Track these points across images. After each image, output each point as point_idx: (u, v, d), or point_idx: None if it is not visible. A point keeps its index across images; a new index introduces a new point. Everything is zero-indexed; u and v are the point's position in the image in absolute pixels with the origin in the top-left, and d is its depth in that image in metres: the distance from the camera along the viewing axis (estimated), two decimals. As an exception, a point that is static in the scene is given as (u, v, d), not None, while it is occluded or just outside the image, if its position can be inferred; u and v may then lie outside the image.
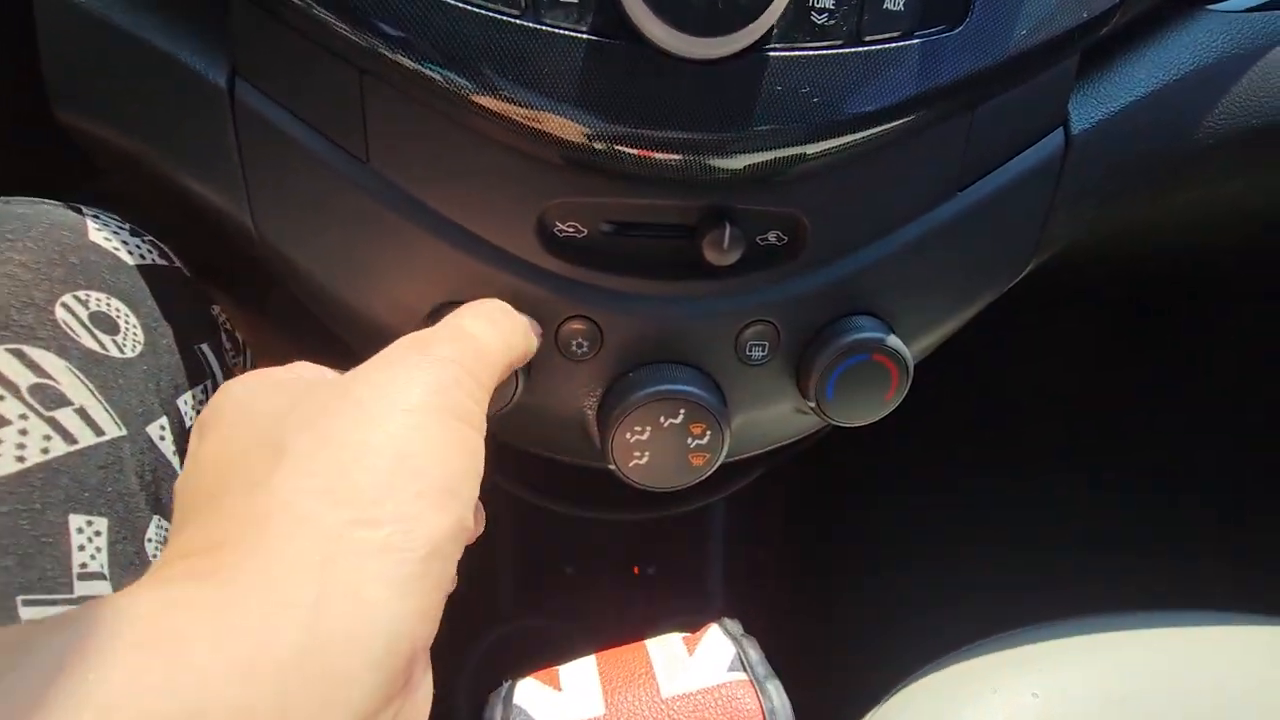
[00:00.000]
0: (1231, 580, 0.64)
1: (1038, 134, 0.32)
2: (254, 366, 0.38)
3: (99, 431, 0.27)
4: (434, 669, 0.21)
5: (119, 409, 0.28)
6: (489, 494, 0.24)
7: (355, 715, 0.17)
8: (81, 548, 0.26)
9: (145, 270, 0.31)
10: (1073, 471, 0.77)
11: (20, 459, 0.25)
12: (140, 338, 0.30)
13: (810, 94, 0.27)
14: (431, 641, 0.20)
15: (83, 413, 0.27)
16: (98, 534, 0.26)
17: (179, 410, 0.31)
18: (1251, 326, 0.74)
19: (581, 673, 0.28)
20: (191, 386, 0.32)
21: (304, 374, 0.24)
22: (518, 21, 0.25)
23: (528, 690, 0.28)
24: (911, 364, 0.32)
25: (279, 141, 0.29)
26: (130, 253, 0.31)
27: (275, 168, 0.30)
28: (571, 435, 0.34)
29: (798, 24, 0.26)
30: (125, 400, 0.28)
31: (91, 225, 0.31)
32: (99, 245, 0.30)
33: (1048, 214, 0.33)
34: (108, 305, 0.29)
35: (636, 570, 0.68)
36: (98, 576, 0.26)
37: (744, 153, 0.27)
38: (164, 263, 0.33)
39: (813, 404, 0.32)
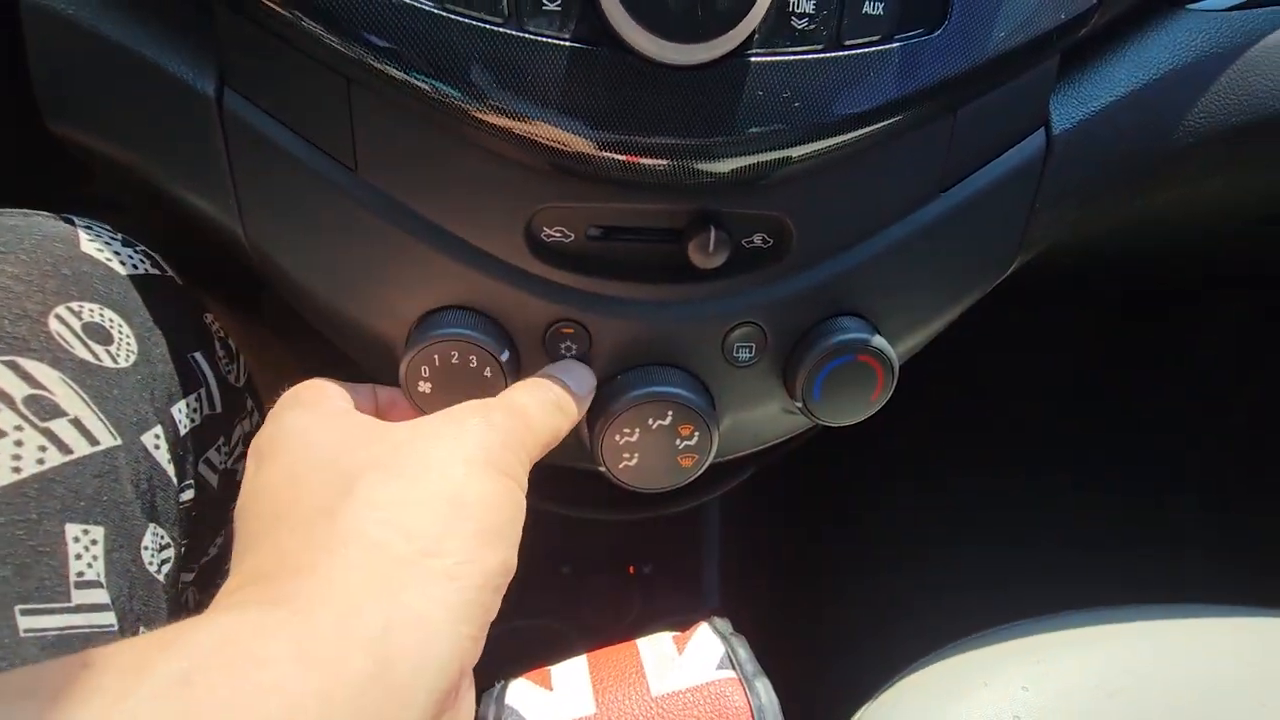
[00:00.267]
0: (1218, 573, 0.64)
1: (1019, 135, 0.32)
2: (249, 374, 0.38)
3: (94, 441, 0.27)
4: None
5: (113, 419, 0.28)
6: None
7: None
8: (78, 556, 0.26)
9: (138, 280, 0.32)
10: (1061, 468, 0.78)
11: (16, 470, 0.25)
12: (134, 347, 0.30)
13: (792, 98, 0.27)
14: (477, 661, 0.22)
15: (77, 423, 0.27)
16: (94, 543, 0.27)
17: (173, 419, 0.31)
18: (1236, 322, 0.75)
19: (572, 672, 0.28)
20: (185, 395, 0.32)
21: (350, 408, 0.27)
22: (501, 30, 0.26)
23: (519, 690, 0.28)
24: (897, 364, 0.32)
25: (267, 150, 0.29)
26: (123, 263, 0.32)
27: (264, 176, 0.30)
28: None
29: (778, 29, 0.26)
30: (120, 410, 0.29)
31: (84, 236, 0.31)
32: (91, 256, 0.31)
33: (1030, 214, 0.33)
34: (101, 316, 0.29)
35: (632, 570, 0.68)
36: (95, 585, 0.26)
37: (729, 157, 0.28)
38: (156, 272, 0.33)
39: (800, 404, 0.33)
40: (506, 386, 0.30)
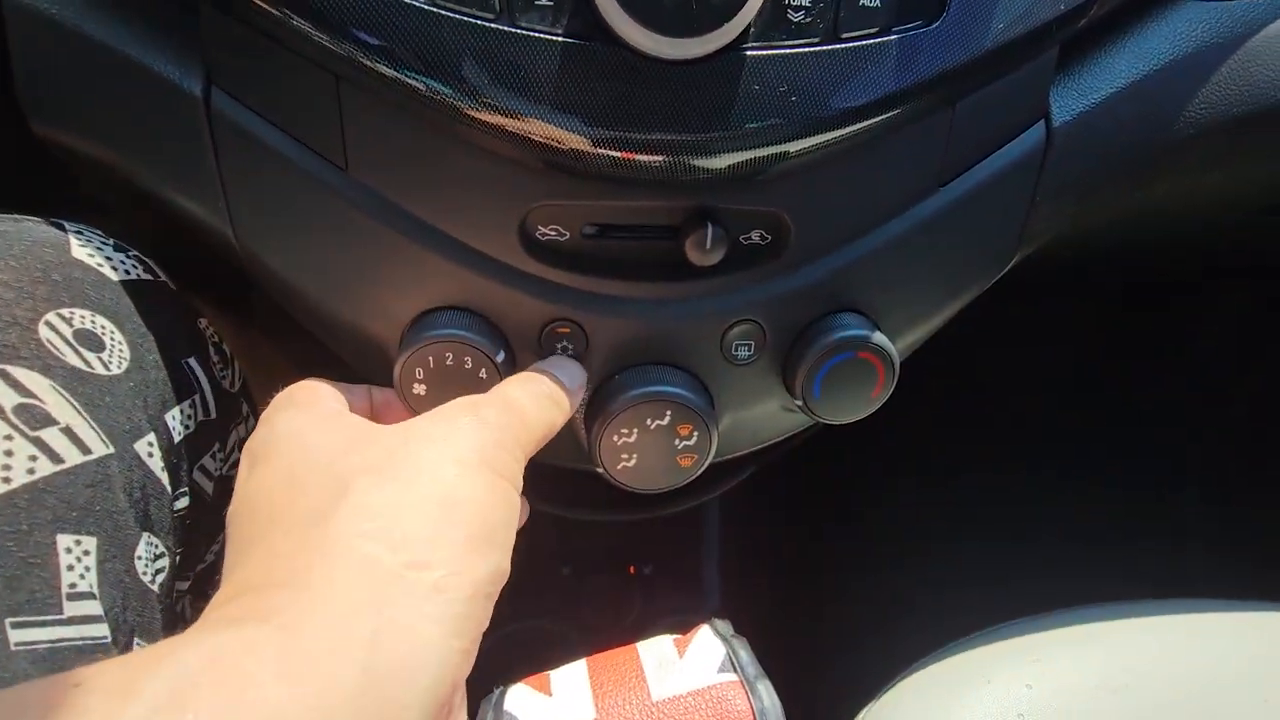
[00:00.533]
0: (1220, 567, 0.64)
1: (1019, 127, 0.32)
2: (243, 379, 0.38)
3: (86, 450, 0.27)
4: None
5: (106, 427, 0.28)
6: None
7: None
8: (70, 567, 0.26)
9: (130, 286, 0.31)
10: (1062, 462, 0.78)
11: (6, 480, 0.25)
12: (126, 354, 0.30)
13: (789, 92, 0.26)
14: (469, 673, 0.22)
15: (69, 431, 0.27)
16: (86, 553, 0.26)
17: (167, 426, 0.31)
18: (1237, 314, 0.74)
19: (572, 677, 0.28)
20: (179, 401, 0.32)
21: (344, 410, 0.26)
22: (493, 25, 0.25)
23: (518, 696, 0.28)
24: (897, 360, 0.32)
25: (256, 150, 0.29)
26: (114, 268, 0.31)
27: (253, 176, 0.29)
28: (559, 438, 0.34)
29: (774, 22, 0.26)
30: (112, 418, 0.28)
31: (75, 242, 0.31)
32: (82, 262, 0.30)
33: (1030, 207, 0.33)
34: (92, 322, 0.29)
35: (633, 570, 0.68)
36: (87, 596, 0.26)
37: (726, 152, 0.27)
38: (149, 277, 0.33)
39: (800, 402, 0.32)
40: None
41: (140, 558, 0.28)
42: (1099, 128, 0.32)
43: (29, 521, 0.25)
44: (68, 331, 0.28)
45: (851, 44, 0.27)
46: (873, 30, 0.27)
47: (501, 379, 0.30)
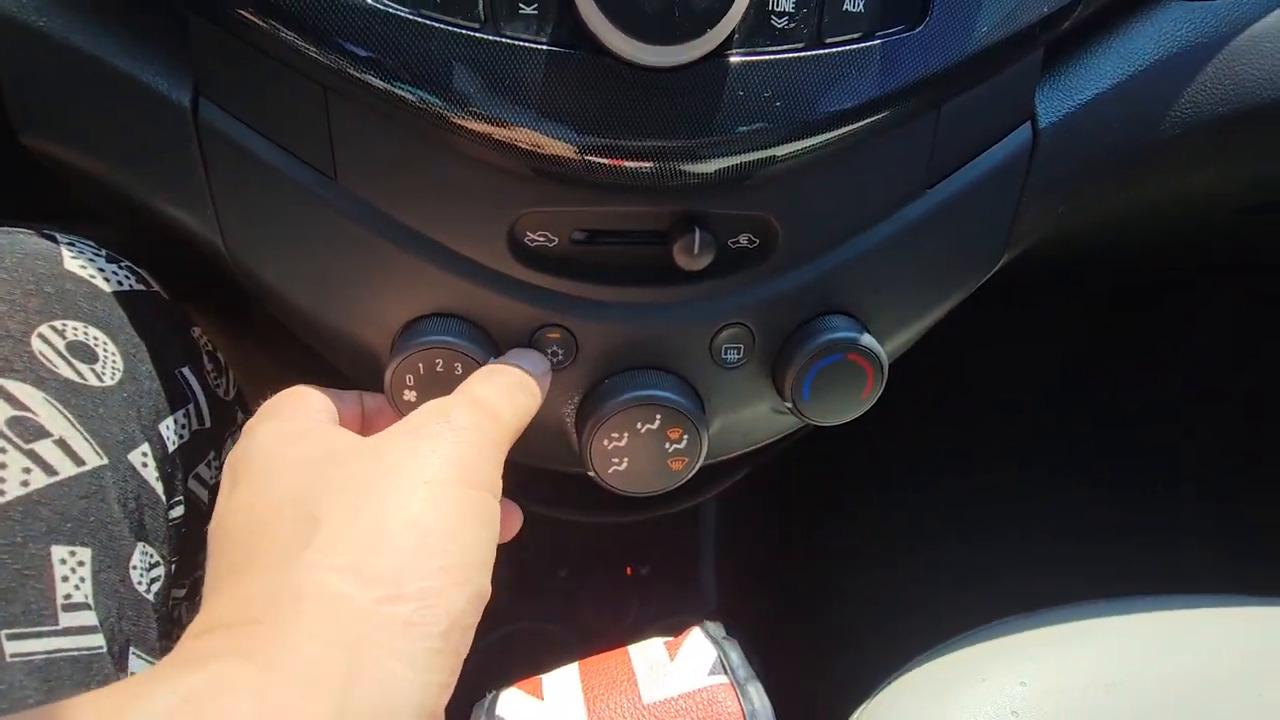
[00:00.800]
0: (1214, 564, 0.64)
1: (1005, 129, 0.32)
2: (238, 387, 0.38)
3: (79, 461, 0.27)
4: None
5: (99, 438, 0.28)
6: None
7: None
8: (65, 579, 0.26)
9: (123, 297, 0.31)
10: (1055, 460, 0.78)
11: (0, 493, 0.25)
12: (119, 365, 0.30)
13: (773, 98, 0.27)
14: (446, 702, 0.22)
15: (62, 443, 0.27)
16: (81, 564, 0.26)
17: (161, 436, 0.31)
18: (1232, 310, 0.74)
19: (564, 682, 0.28)
20: (173, 411, 0.32)
21: (323, 422, 0.26)
22: (478, 35, 0.25)
23: (510, 701, 0.28)
24: (886, 362, 0.32)
25: (244, 159, 0.29)
26: (107, 280, 0.31)
27: (242, 186, 0.29)
28: (551, 442, 0.34)
29: (758, 28, 0.26)
30: (106, 429, 0.28)
31: (67, 254, 0.31)
32: (75, 274, 0.30)
33: (1018, 208, 0.33)
34: (85, 334, 0.29)
35: (630, 571, 0.68)
36: (82, 607, 0.26)
37: (712, 158, 0.27)
38: (142, 288, 0.33)
39: (790, 405, 0.32)
40: None
41: (135, 567, 0.28)
42: (1085, 129, 0.33)
43: (23, 534, 0.25)
44: (60, 344, 0.28)
45: (835, 49, 0.27)
46: (856, 35, 0.27)
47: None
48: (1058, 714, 0.32)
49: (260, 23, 0.26)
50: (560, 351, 0.31)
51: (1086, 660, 0.35)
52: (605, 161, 0.27)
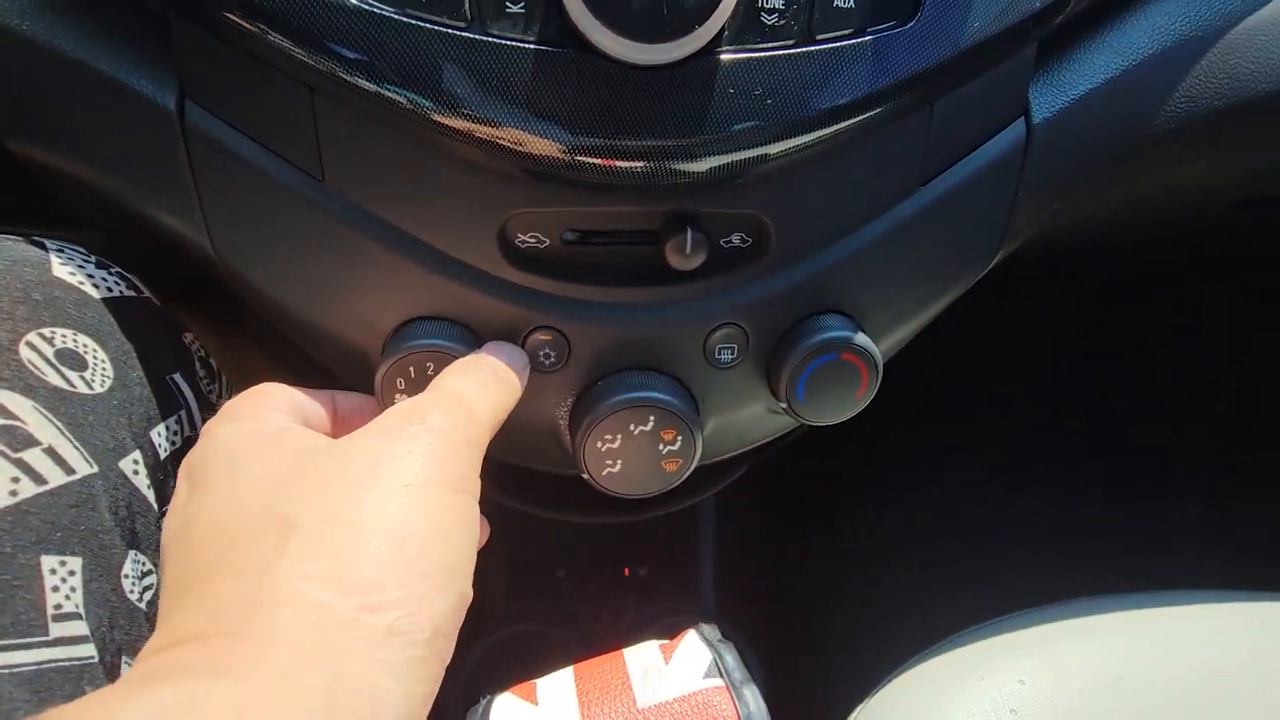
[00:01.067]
0: (1210, 560, 0.64)
1: (998, 125, 0.32)
2: (232, 393, 0.37)
3: (69, 470, 0.27)
4: None
5: (89, 446, 0.28)
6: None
7: None
8: (55, 589, 0.25)
9: (113, 303, 0.31)
10: (1050, 457, 0.78)
11: None
12: (109, 372, 0.30)
13: (764, 95, 0.26)
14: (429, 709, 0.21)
15: (51, 452, 0.27)
16: (72, 574, 0.26)
17: (153, 443, 0.31)
18: (1227, 304, 0.74)
19: (558, 686, 0.28)
20: (165, 418, 0.32)
21: (288, 425, 0.25)
22: (465, 34, 0.25)
23: (505, 706, 0.28)
24: (881, 361, 0.32)
25: (232, 162, 0.29)
26: (96, 286, 0.31)
27: (229, 189, 0.29)
28: (544, 445, 0.34)
29: (748, 25, 0.26)
30: (96, 437, 0.28)
31: (55, 260, 0.30)
32: (63, 280, 0.30)
33: (1012, 204, 0.33)
34: (74, 341, 0.29)
35: (628, 571, 0.68)
36: (73, 617, 0.26)
37: (705, 157, 0.27)
38: (132, 294, 0.32)
39: (784, 405, 0.32)
40: None
41: (127, 576, 0.28)
42: (1079, 124, 0.32)
43: (12, 544, 0.25)
44: (49, 351, 0.28)
45: (827, 45, 0.27)
46: (848, 31, 0.27)
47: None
48: (1057, 712, 0.32)
49: (246, 25, 0.26)
50: (552, 353, 0.31)
51: (1085, 658, 0.34)
52: (595, 161, 0.27)
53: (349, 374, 0.33)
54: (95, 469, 0.27)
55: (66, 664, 0.25)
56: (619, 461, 0.31)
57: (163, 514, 0.31)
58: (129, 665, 0.28)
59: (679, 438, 0.31)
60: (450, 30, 0.25)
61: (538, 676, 0.30)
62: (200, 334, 0.36)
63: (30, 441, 0.26)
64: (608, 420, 0.30)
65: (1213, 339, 0.76)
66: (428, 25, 0.25)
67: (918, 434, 0.76)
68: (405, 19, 0.25)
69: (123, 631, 0.27)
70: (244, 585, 0.20)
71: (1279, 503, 0.70)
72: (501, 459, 0.37)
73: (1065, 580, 0.45)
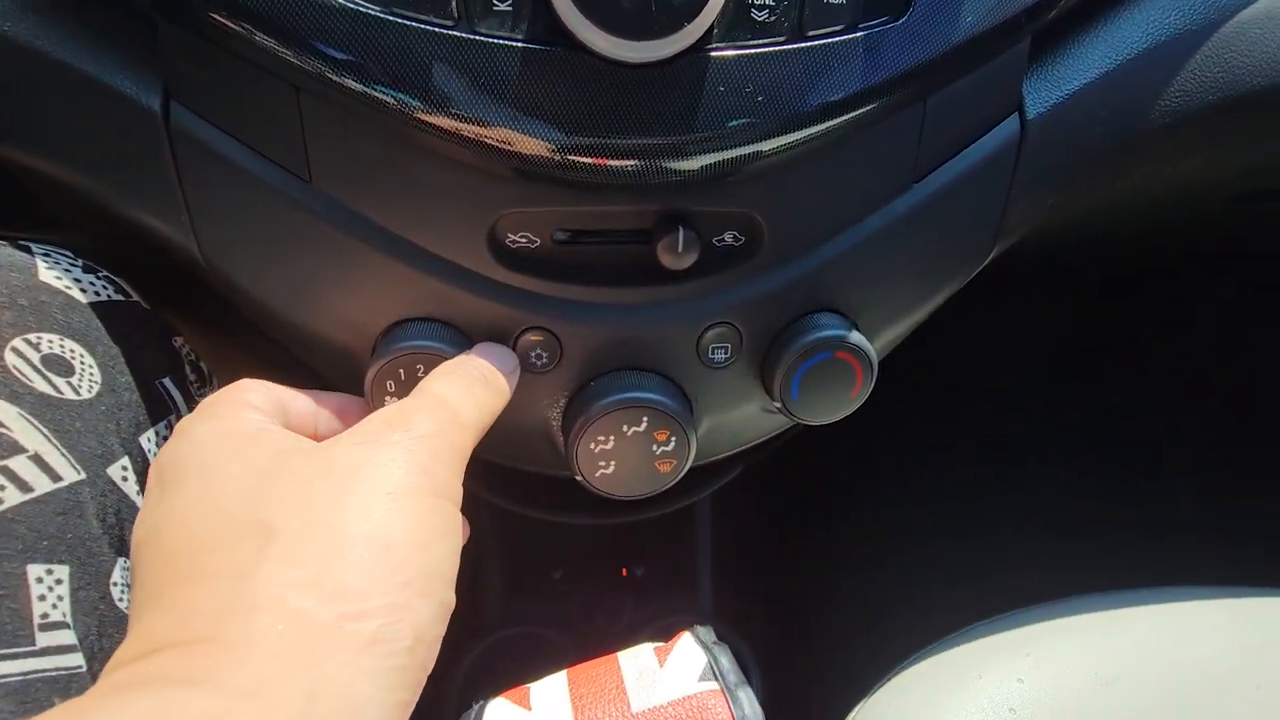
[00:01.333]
0: (1212, 555, 0.64)
1: (992, 121, 0.31)
2: None
3: (56, 477, 0.26)
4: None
5: (77, 452, 0.27)
6: (471, 505, 0.24)
7: None
8: (42, 597, 0.25)
9: (100, 307, 0.31)
10: (1044, 452, 0.78)
11: None
12: (97, 377, 0.29)
13: (755, 92, 0.26)
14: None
15: (38, 459, 0.26)
16: (59, 582, 0.26)
17: (142, 449, 0.30)
18: (1222, 299, 0.74)
19: (551, 691, 0.28)
20: (154, 423, 0.31)
21: (265, 425, 0.24)
22: (452, 33, 0.25)
23: (497, 711, 0.27)
24: (876, 360, 0.31)
25: (217, 163, 0.28)
26: (83, 290, 0.31)
27: (216, 191, 0.29)
28: (537, 446, 0.34)
29: (738, 22, 0.26)
30: (83, 443, 0.28)
31: (42, 265, 0.30)
32: (50, 285, 0.30)
33: (1006, 201, 0.33)
34: (61, 347, 0.29)
35: (625, 572, 0.67)
36: (60, 626, 0.25)
37: (696, 155, 0.27)
38: (120, 298, 0.32)
39: (779, 404, 0.32)
40: None
41: (116, 584, 0.28)
42: (1073, 119, 0.32)
43: None
44: (35, 357, 0.28)
45: (818, 42, 0.26)
46: (839, 27, 0.26)
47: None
48: (1056, 711, 0.32)
49: (231, 25, 0.25)
50: (544, 354, 0.31)
51: (1083, 656, 0.34)
52: (586, 160, 0.26)
53: (339, 376, 0.33)
54: (83, 476, 0.27)
55: (54, 674, 0.25)
56: (612, 463, 0.31)
57: None
58: None
59: (673, 438, 0.31)
60: (437, 29, 0.25)
61: (534, 679, 0.30)
62: (191, 337, 0.36)
63: (16, 449, 0.26)
64: (600, 421, 0.30)
65: (1207, 334, 0.76)
66: (414, 24, 0.25)
67: (912, 432, 0.76)
68: (391, 18, 0.25)
69: (112, 640, 0.27)
70: (220, 590, 0.19)
71: (1274, 498, 0.70)
72: (494, 461, 0.36)
73: (1061, 577, 0.45)
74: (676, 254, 0.28)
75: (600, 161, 0.27)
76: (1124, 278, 0.73)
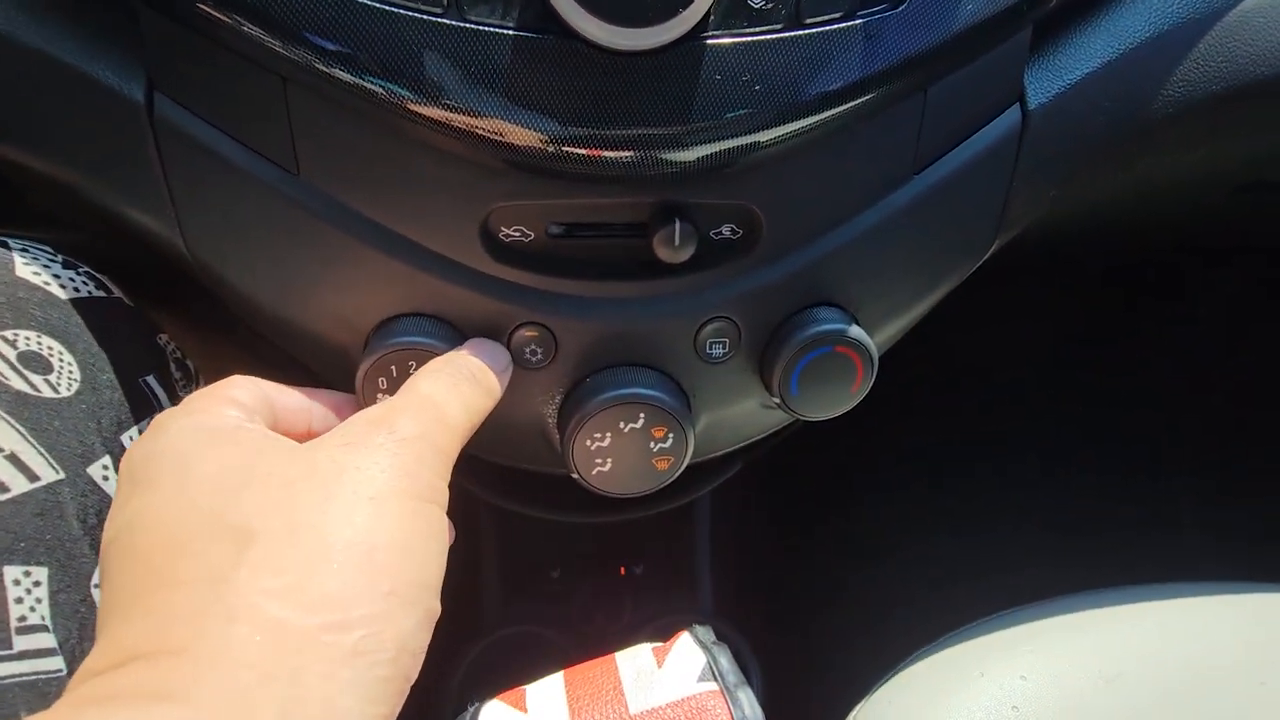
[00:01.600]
0: (1213, 551, 0.64)
1: (993, 111, 0.31)
2: None
3: (33, 477, 0.26)
4: (417, 683, 0.21)
5: (55, 452, 0.27)
6: (464, 502, 0.23)
7: None
8: (19, 600, 0.25)
9: (80, 304, 0.30)
10: (1044, 448, 0.77)
11: None
12: (76, 375, 0.29)
13: (752, 81, 0.26)
14: None
15: (14, 459, 0.26)
16: (37, 584, 0.25)
17: (124, 447, 0.30)
18: (1226, 293, 0.74)
19: (548, 693, 0.27)
20: (137, 421, 0.31)
21: (242, 423, 0.23)
22: (441, 20, 0.24)
23: (493, 713, 0.27)
24: (876, 354, 0.31)
25: (203, 157, 0.28)
26: (63, 286, 0.30)
27: (202, 184, 0.28)
28: (533, 444, 0.33)
29: (735, 9, 0.25)
30: (62, 442, 0.27)
31: (19, 260, 0.30)
32: (27, 281, 0.29)
33: (1008, 192, 0.32)
34: (39, 344, 0.28)
35: (623, 571, 0.67)
36: (39, 629, 0.25)
37: (692, 145, 0.26)
38: (101, 294, 0.32)
39: (778, 399, 0.32)
40: None
41: (97, 586, 0.27)
42: (1075, 109, 0.32)
43: None
44: (11, 354, 0.27)
45: (815, 29, 0.26)
46: (837, 15, 0.26)
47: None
48: (1059, 708, 0.32)
49: (218, 15, 0.25)
50: (539, 350, 0.30)
51: (1085, 653, 0.34)
52: (580, 151, 0.26)
53: (330, 372, 0.32)
54: (62, 475, 0.27)
55: (32, 678, 0.24)
56: (609, 460, 0.31)
57: None
58: None
59: (670, 435, 0.30)
60: (426, 16, 0.24)
61: (532, 679, 0.30)
62: (180, 335, 0.35)
63: None
64: (597, 418, 0.30)
65: (1210, 330, 0.75)
66: (403, 11, 0.24)
67: (912, 427, 0.76)
68: (378, 5, 0.24)
69: (92, 643, 0.26)
70: (195, 596, 0.18)
71: (1275, 496, 0.70)
72: (489, 459, 0.36)
73: (1062, 575, 0.45)
74: (673, 247, 0.28)
75: (594, 152, 0.26)
76: (1126, 269, 0.73)
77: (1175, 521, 0.73)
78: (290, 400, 0.26)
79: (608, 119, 0.25)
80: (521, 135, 0.25)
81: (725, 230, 0.30)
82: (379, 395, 0.28)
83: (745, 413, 0.34)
